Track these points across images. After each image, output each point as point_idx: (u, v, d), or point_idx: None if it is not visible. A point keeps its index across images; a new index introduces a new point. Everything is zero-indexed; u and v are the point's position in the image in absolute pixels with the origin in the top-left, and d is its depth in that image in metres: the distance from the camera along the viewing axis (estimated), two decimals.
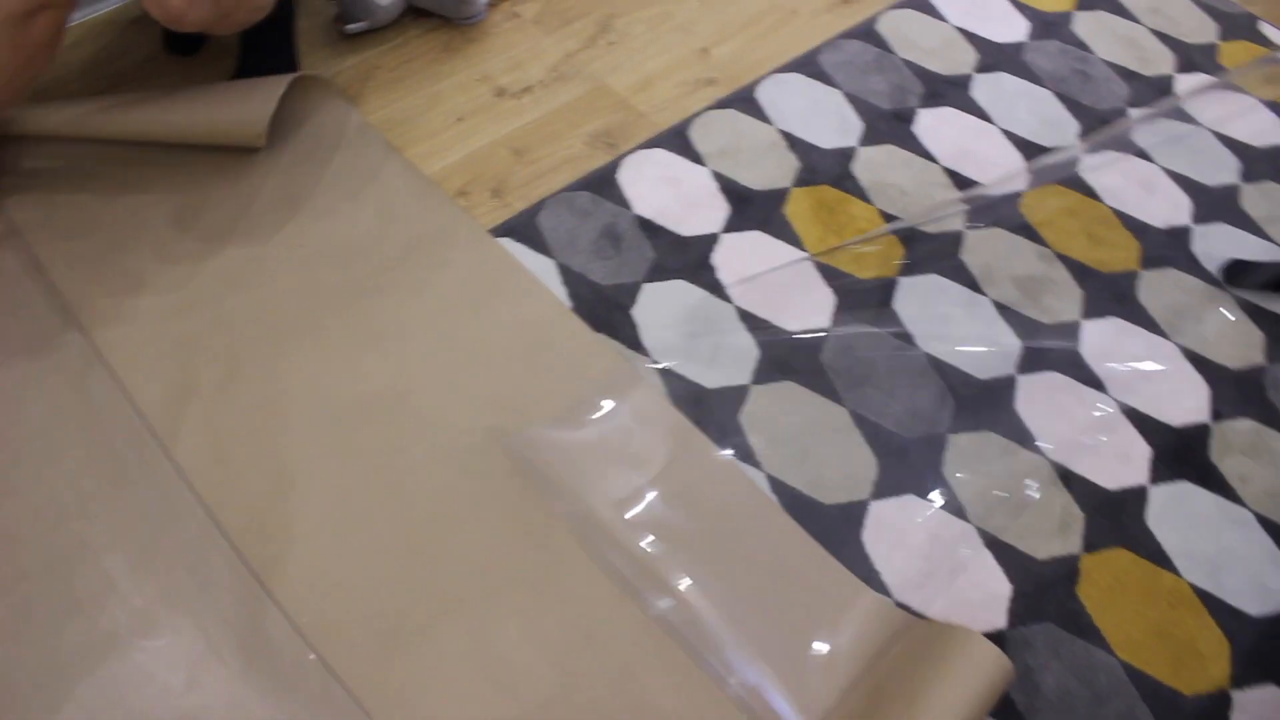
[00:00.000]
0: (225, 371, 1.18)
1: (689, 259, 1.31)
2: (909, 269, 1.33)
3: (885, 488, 1.13)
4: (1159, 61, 1.68)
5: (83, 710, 0.95)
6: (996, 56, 1.65)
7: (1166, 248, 1.41)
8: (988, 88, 1.60)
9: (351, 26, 1.55)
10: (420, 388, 1.17)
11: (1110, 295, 1.33)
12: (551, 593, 1.04)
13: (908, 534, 1.10)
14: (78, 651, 0.99)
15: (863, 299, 1.29)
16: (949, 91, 1.58)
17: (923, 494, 1.13)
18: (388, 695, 0.97)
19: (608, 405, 1.16)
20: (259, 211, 1.33)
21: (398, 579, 1.04)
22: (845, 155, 1.46)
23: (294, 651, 0.98)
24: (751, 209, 1.38)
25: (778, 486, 1.12)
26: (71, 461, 1.10)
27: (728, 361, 1.22)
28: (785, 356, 1.23)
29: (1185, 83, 1.65)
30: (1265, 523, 1.14)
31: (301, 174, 1.37)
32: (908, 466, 1.15)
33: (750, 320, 1.26)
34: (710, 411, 1.17)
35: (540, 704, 0.97)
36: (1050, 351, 1.26)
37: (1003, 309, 1.30)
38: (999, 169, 1.47)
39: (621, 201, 1.36)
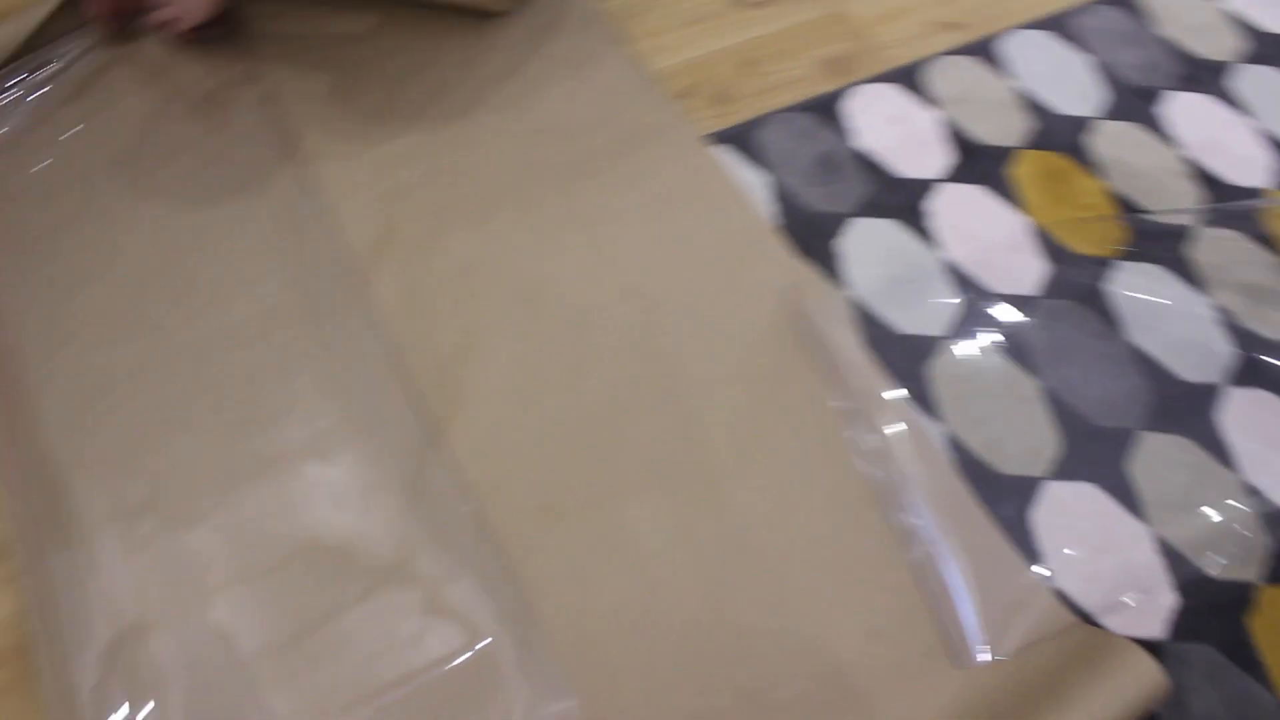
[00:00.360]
0: (431, 227, 1.20)
1: (903, 200, 1.27)
2: (1130, 254, 1.26)
3: (1065, 470, 1.09)
4: None
5: (247, 514, 1.00)
6: (1269, 47, 1.54)
7: None
8: (1253, 80, 1.49)
9: None
10: (615, 275, 1.17)
11: None
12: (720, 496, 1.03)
13: (1079, 522, 1.06)
14: (255, 459, 1.03)
15: (1076, 275, 1.23)
16: (1207, 77, 1.48)
17: (1103, 485, 1.08)
18: (535, 563, 0.98)
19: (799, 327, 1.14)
20: (484, 78, 1.34)
21: (565, 457, 1.05)
22: (1082, 125, 1.39)
23: (453, 500, 1.01)
24: (976, 162, 1.33)
25: (954, 444, 1.09)
26: (275, 285, 1.14)
27: (925, 310, 1.18)
28: (985, 316, 1.18)
29: None
30: None
31: (527, 50, 1.37)
32: (1092, 454, 1.10)
33: (955, 273, 1.22)
34: (896, 356, 1.14)
35: (690, 620, 0.97)
36: (1268, 368, 1.19)
37: (1223, 314, 1.22)
38: (1249, 169, 1.38)
39: (843, 131, 1.33)
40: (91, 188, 1.27)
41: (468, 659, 0.94)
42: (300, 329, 1.14)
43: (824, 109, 1.35)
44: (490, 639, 0.95)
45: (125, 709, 0.92)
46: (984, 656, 0.97)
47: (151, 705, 0.92)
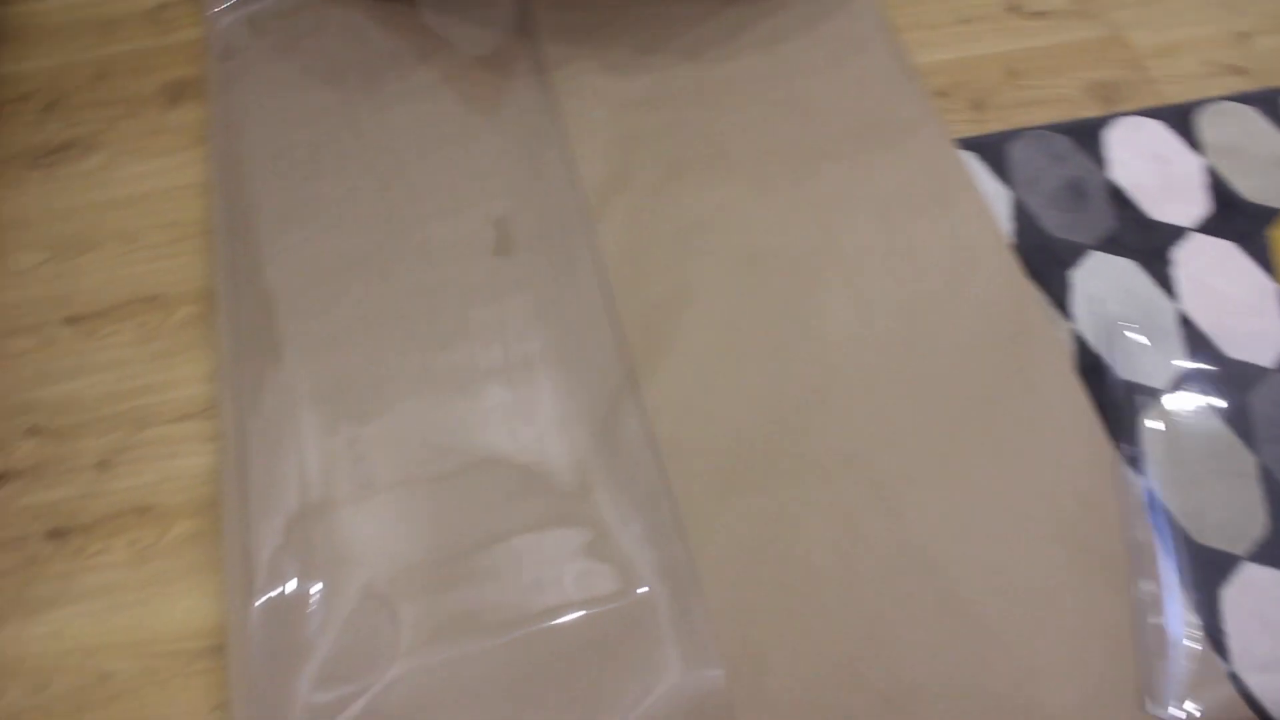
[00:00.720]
0: (662, 178, 1.21)
1: (1148, 243, 1.22)
2: None
3: (1267, 554, 1.03)
4: None
5: (441, 420, 1.03)
6: None
7: None
8: None
9: None
10: (837, 261, 1.16)
11: None
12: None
13: (1272, 610, 1.00)
14: (457, 369, 1.07)
15: None
16: None
17: None
18: (705, 529, 0.99)
19: (1013, 349, 1.11)
20: (743, 42, 1.35)
21: (754, 432, 1.05)
22: None
23: (639, 448, 1.03)
24: (1234, 217, 1.26)
25: (1153, 501, 1.04)
26: (506, 206, 1.18)
27: (1149, 361, 1.13)
28: (1212, 379, 1.12)
29: None
30: None
31: (793, 20, 1.36)
32: None
33: (1189, 328, 1.16)
34: (1109, 403, 1.09)
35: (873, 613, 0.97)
36: None
37: None
38: None
39: (1099, 160, 1.27)
40: (342, 83, 1.33)
41: (625, 605, 0.95)
42: (523, 253, 1.17)
43: (1083, 134, 1.30)
44: (649, 589, 0.96)
45: (295, 583, 0.97)
46: (1176, 714, 0.94)
47: (320, 586, 0.97)
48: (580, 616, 0.95)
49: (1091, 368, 1.13)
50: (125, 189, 1.30)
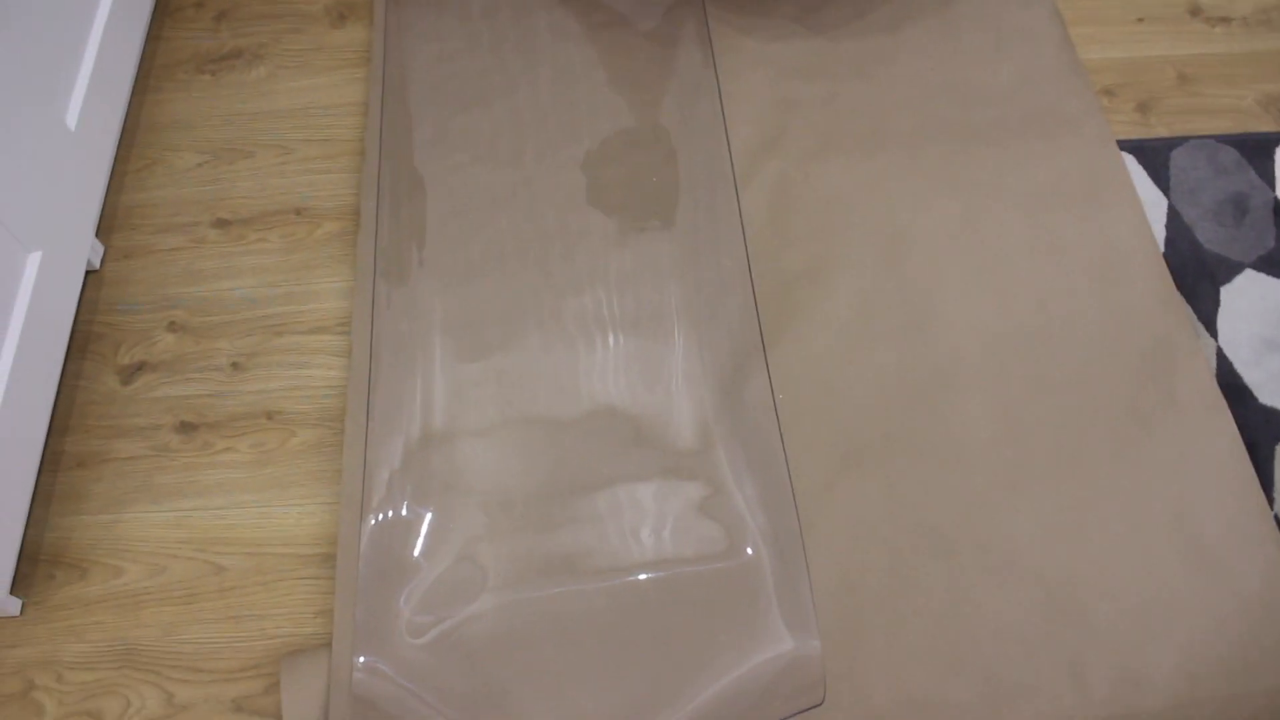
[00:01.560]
0: (813, 148, 1.20)
1: None
2: None
3: None
4: None
5: (567, 363, 1.04)
6: None
7: None
8: None
9: None
10: (978, 248, 1.13)
11: None
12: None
13: None
14: (587, 315, 1.08)
15: None
16: None
17: None
18: (817, 501, 0.98)
19: (1155, 359, 1.08)
20: (908, 17, 1.32)
21: (876, 412, 1.04)
22: None
23: (760, 413, 1.02)
24: None
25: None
26: (654, 158, 1.19)
27: None
28: None
29: None
30: None
31: (960, 3, 1.33)
32: None
33: None
34: (1248, 425, 1.06)
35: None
36: None
37: None
38: None
39: (1268, 177, 1.22)
40: (509, 17, 1.34)
41: (730, 566, 0.95)
42: (667, 207, 1.17)
43: (1254, 149, 1.25)
44: (756, 553, 0.96)
45: (407, 506, 0.99)
46: None
47: (431, 512, 0.99)
48: (683, 572, 0.95)
49: (1232, 388, 1.09)
50: (285, 101, 1.33)
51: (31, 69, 1.04)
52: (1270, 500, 1.01)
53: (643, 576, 0.95)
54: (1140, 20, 1.35)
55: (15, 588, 1.00)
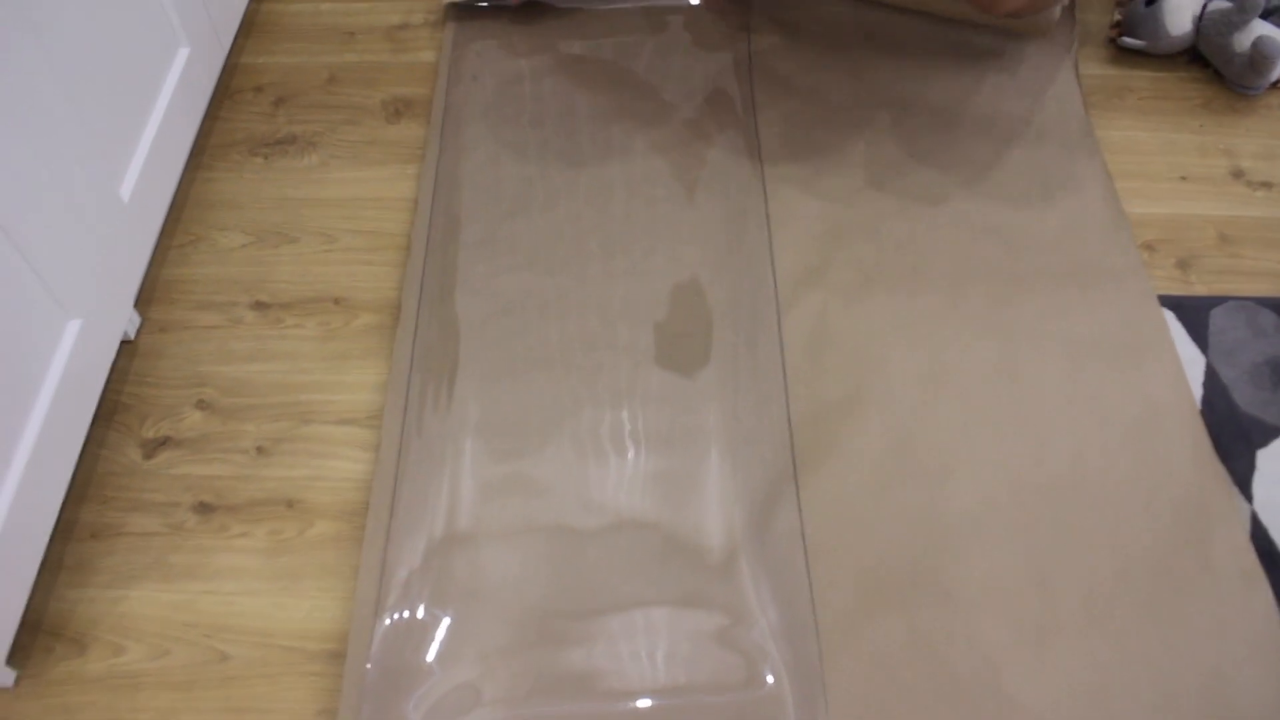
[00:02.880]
0: (857, 282, 1.21)
1: None
2: None
3: None
4: None
5: (597, 475, 1.03)
6: None
7: None
8: None
9: (1128, 41, 1.49)
10: (1015, 396, 1.13)
11: None
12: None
13: None
14: (618, 427, 1.06)
15: None
16: None
17: None
18: (840, 641, 0.96)
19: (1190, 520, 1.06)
20: (961, 158, 1.35)
21: (905, 555, 1.03)
22: None
23: (789, 543, 1.01)
24: None
25: None
26: (702, 275, 1.20)
27: None
28: None
29: None
30: None
31: (1015, 144, 1.36)
32: None
33: None
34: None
35: None
36: None
37: None
38: None
39: None
40: (562, 128, 1.36)
41: (748, 697, 0.93)
42: (708, 328, 1.17)
43: None
44: (775, 685, 0.93)
45: (424, 608, 0.98)
46: None
47: (446, 622, 0.97)
48: (699, 700, 0.93)
49: (1267, 554, 1.07)
50: (334, 191, 1.35)
51: (96, 140, 1.05)
52: None
53: (656, 702, 0.93)
54: (1183, 178, 1.37)
55: (12, 658, 0.98)
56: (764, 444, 1.08)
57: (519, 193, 1.28)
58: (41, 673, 0.97)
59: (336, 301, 1.23)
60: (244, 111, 1.43)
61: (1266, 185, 1.37)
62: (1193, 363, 1.19)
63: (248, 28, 1.52)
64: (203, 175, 1.35)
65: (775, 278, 1.21)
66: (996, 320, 1.19)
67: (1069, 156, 1.35)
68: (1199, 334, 1.22)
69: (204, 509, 1.07)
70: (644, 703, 0.92)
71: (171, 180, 1.26)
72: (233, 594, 1.03)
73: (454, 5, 1.49)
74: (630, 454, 1.07)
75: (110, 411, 1.14)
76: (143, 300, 1.22)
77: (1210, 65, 1.49)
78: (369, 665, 0.94)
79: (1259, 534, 1.08)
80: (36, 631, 1.00)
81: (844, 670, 0.95)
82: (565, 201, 1.27)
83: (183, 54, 1.26)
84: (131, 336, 1.19)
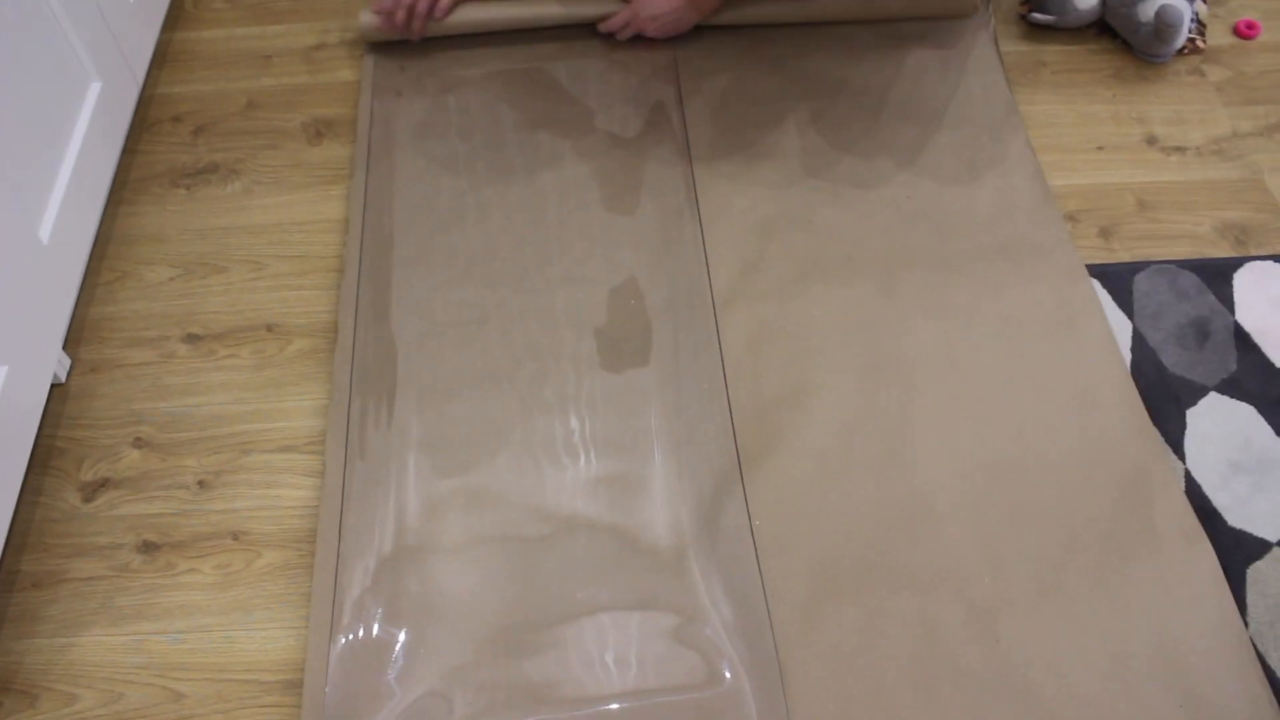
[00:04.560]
0: (792, 274, 1.22)
1: (1271, 392, 1.19)
2: None
3: None
4: None
5: (535, 484, 1.03)
6: None
7: None
8: None
9: (1037, 16, 1.51)
10: (956, 377, 1.15)
11: None
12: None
13: None
14: (557, 437, 1.07)
15: None
16: None
17: None
18: (796, 631, 0.97)
19: (1131, 488, 1.08)
20: (887, 143, 1.37)
21: (853, 542, 1.03)
22: None
23: (736, 539, 1.02)
24: None
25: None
26: (638, 276, 1.22)
27: (1261, 511, 1.10)
28: None
29: None
30: None
31: (942, 127, 1.37)
32: None
33: None
34: (1218, 549, 1.06)
35: None
36: None
37: None
38: None
39: (1227, 301, 1.25)
40: (491, 140, 1.36)
41: (706, 695, 0.94)
42: (646, 330, 1.18)
43: (1212, 274, 1.28)
44: (733, 681, 0.94)
45: (378, 627, 0.97)
46: None
47: (401, 639, 0.97)
48: (658, 702, 0.93)
49: (1201, 511, 1.10)
50: (260, 217, 1.34)
51: (7, 182, 1.03)
52: (1245, 623, 1.01)
53: (617, 706, 0.93)
54: (1099, 148, 1.39)
55: None
56: (708, 442, 1.09)
57: (451, 206, 1.28)
58: None
59: (269, 329, 1.22)
60: (163, 142, 1.41)
61: (1180, 150, 1.40)
62: (1121, 329, 1.22)
63: (161, 57, 1.50)
64: (125, 210, 1.34)
65: (711, 275, 1.21)
66: (932, 303, 1.20)
67: (994, 135, 1.37)
68: (1124, 300, 1.24)
69: (149, 548, 1.06)
70: (605, 708, 0.93)
71: (92, 218, 1.24)
72: (183, 632, 1.02)
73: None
74: (576, 460, 1.07)
75: (45, 457, 1.12)
76: (71, 341, 1.20)
77: (1118, 36, 1.52)
78: (327, 690, 0.94)
79: (1194, 491, 1.10)
80: None
81: (802, 660, 0.96)
82: (498, 212, 1.27)
83: (95, 88, 1.24)
84: (63, 379, 1.17)
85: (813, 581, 1.00)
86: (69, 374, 1.18)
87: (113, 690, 0.98)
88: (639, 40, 1.46)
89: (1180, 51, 1.50)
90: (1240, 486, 1.12)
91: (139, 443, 1.13)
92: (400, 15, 1.40)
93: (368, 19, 1.44)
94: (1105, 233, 1.30)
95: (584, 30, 1.47)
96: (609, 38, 1.46)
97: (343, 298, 1.20)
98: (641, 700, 0.93)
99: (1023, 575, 1.02)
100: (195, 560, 1.05)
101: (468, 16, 1.43)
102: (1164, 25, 1.42)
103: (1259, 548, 1.07)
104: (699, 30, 1.47)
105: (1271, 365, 1.21)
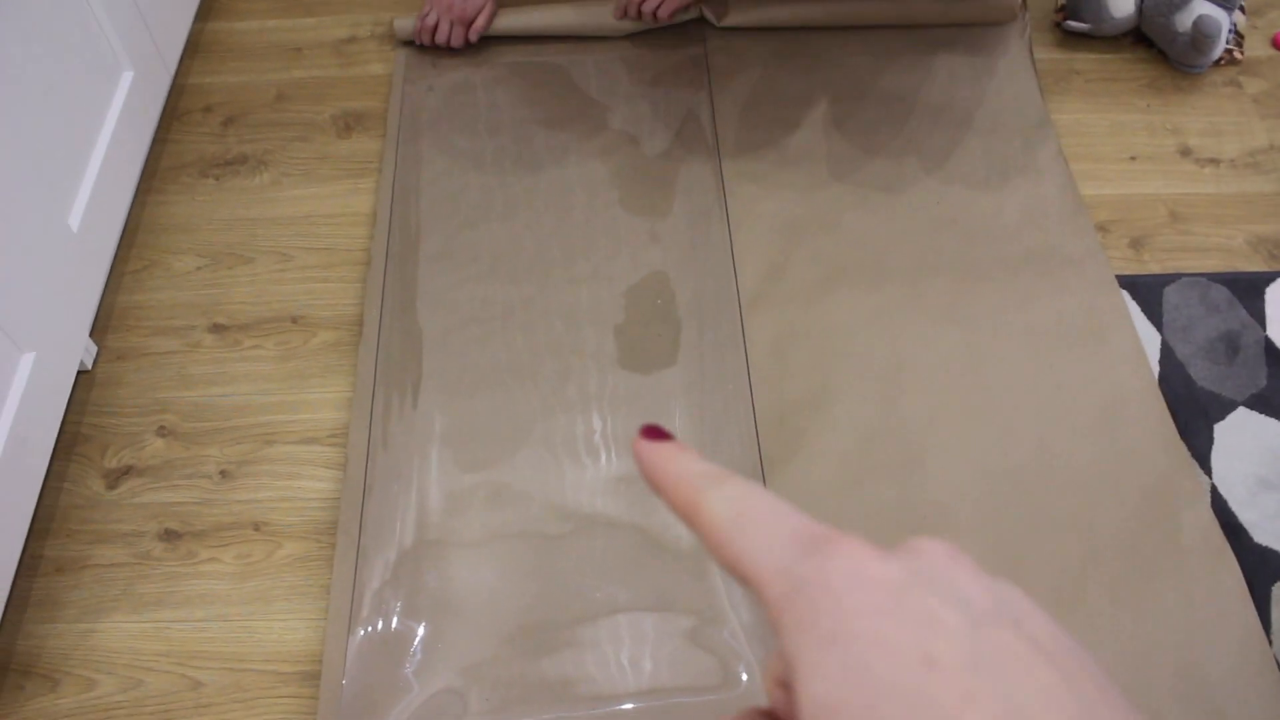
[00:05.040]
0: (819, 278, 1.21)
1: None
2: None
3: None
4: None
5: (572, 480, 1.03)
6: None
7: None
8: None
9: (1072, 24, 1.50)
10: (981, 386, 1.14)
11: None
12: None
13: None
14: (584, 433, 1.06)
15: None
16: None
17: None
18: None
19: (1158, 501, 1.07)
20: (920, 148, 1.36)
21: (882, 541, 1.02)
22: None
23: None
24: None
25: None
26: (660, 275, 1.20)
27: None
28: None
29: None
30: None
31: (972, 135, 1.36)
32: None
33: None
34: (1243, 566, 1.05)
35: None
36: None
37: None
38: None
39: (1258, 316, 1.24)
40: (521, 134, 1.36)
41: (724, 698, 0.93)
42: (672, 330, 1.17)
43: (1245, 288, 1.27)
44: (750, 684, 0.94)
45: (397, 620, 0.97)
46: None
47: (420, 633, 0.97)
48: (676, 703, 0.93)
49: (1227, 527, 1.09)
50: (288, 209, 1.34)
51: (40, 170, 1.04)
52: (1269, 641, 1.00)
53: (632, 706, 0.93)
54: (1132, 158, 1.38)
55: None
56: (730, 443, 1.08)
57: (478, 202, 1.28)
58: (13, 711, 0.96)
59: (294, 320, 1.22)
60: (193, 133, 1.42)
61: (1214, 162, 1.39)
62: (1149, 341, 1.21)
63: (193, 48, 1.51)
64: (154, 199, 1.34)
65: (737, 276, 1.21)
66: (959, 310, 1.19)
67: (1025, 142, 1.36)
68: (1153, 312, 1.23)
69: (170, 536, 1.07)
70: (621, 708, 0.92)
71: (122, 206, 1.24)
72: (203, 620, 1.02)
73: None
74: (598, 458, 1.07)
75: (70, 443, 1.13)
76: (98, 329, 1.21)
77: (1154, 45, 1.50)
78: (345, 682, 0.94)
79: (1220, 507, 1.09)
80: (6, 670, 0.99)
81: None
82: (525, 208, 1.27)
83: (127, 78, 1.24)
84: (89, 366, 1.17)
85: None
86: (95, 361, 1.18)
87: (132, 677, 0.98)
88: (667, 37, 1.45)
89: (1217, 62, 1.49)
90: (1268, 503, 1.10)
91: (163, 431, 1.13)
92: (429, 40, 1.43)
93: (401, 25, 1.44)
94: (1136, 244, 1.29)
95: (615, 25, 1.47)
96: (636, 38, 1.45)
97: (368, 291, 1.20)
98: (657, 700, 0.92)
99: (1043, 587, 1.01)
100: (216, 550, 1.06)
101: (503, 24, 1.44)
102: (1201, 35, 1.41)
103: None
104: (729, 30, 1.46)
105: None
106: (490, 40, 1.46)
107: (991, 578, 0.25)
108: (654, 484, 0.28)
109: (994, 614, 0.23)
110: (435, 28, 1.43)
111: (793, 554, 0.25)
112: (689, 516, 0.27)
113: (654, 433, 0.30)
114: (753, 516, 0.26)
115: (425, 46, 1.45)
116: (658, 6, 1.42)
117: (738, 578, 0.26)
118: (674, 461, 0.28)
